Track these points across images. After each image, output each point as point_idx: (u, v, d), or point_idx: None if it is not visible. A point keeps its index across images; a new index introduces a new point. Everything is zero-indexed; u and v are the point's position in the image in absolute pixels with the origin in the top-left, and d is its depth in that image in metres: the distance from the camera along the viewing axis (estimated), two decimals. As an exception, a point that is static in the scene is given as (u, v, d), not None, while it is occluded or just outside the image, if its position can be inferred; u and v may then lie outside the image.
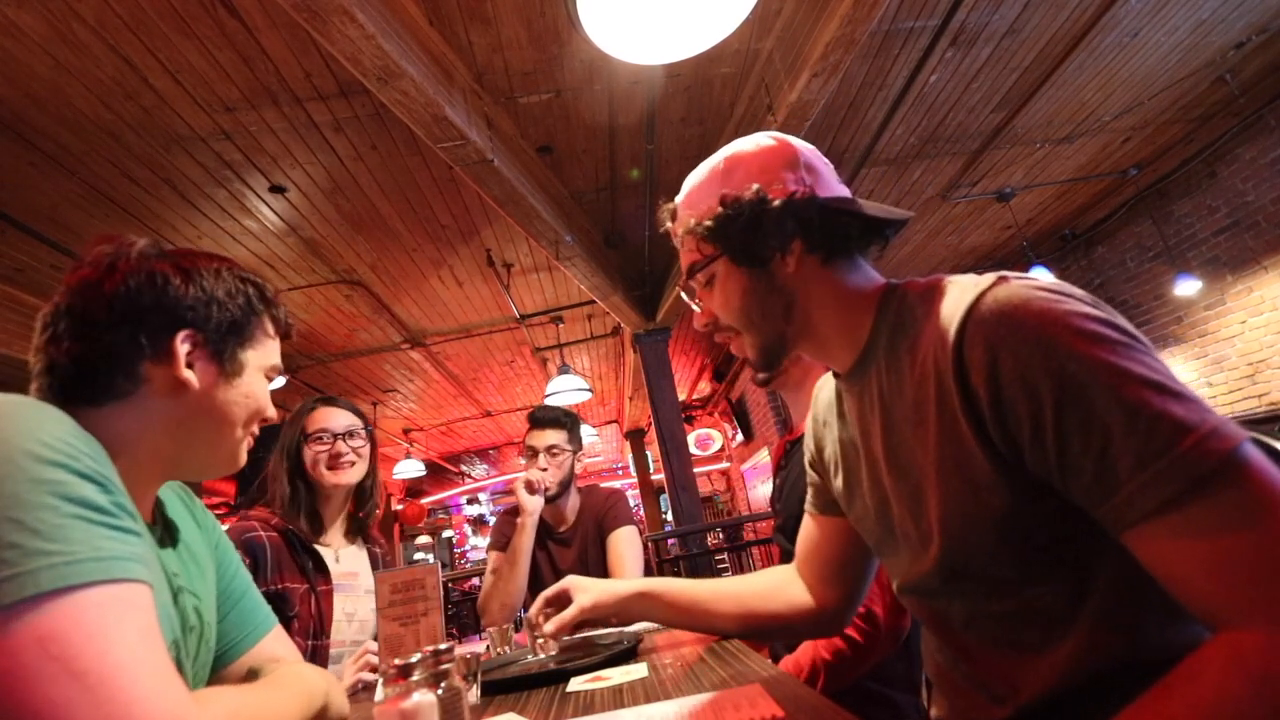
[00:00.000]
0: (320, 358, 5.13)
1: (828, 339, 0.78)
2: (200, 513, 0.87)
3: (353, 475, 1.51)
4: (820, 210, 0.73)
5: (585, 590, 1.05)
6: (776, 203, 0.72)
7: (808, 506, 0.98)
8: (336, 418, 1.54)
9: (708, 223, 0.75)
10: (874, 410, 0.74)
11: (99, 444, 0.58)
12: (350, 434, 1.52)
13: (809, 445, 0.95)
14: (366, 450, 1.56)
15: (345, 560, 1.52)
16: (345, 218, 3.35)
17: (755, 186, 0.73)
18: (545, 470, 1.89)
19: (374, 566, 1.57)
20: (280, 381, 4.09)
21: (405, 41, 2.04)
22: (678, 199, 0.84)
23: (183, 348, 0.68)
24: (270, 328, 0.79)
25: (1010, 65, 3.18)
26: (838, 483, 0.87)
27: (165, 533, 0.77)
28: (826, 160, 0.79)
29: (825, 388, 0.93)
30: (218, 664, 0.82)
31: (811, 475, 0.96)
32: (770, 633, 1.11)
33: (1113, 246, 5.64)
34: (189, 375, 0.68)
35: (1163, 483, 0.48)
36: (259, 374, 0.76)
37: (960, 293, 0.64)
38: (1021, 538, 0.61)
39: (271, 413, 0.80)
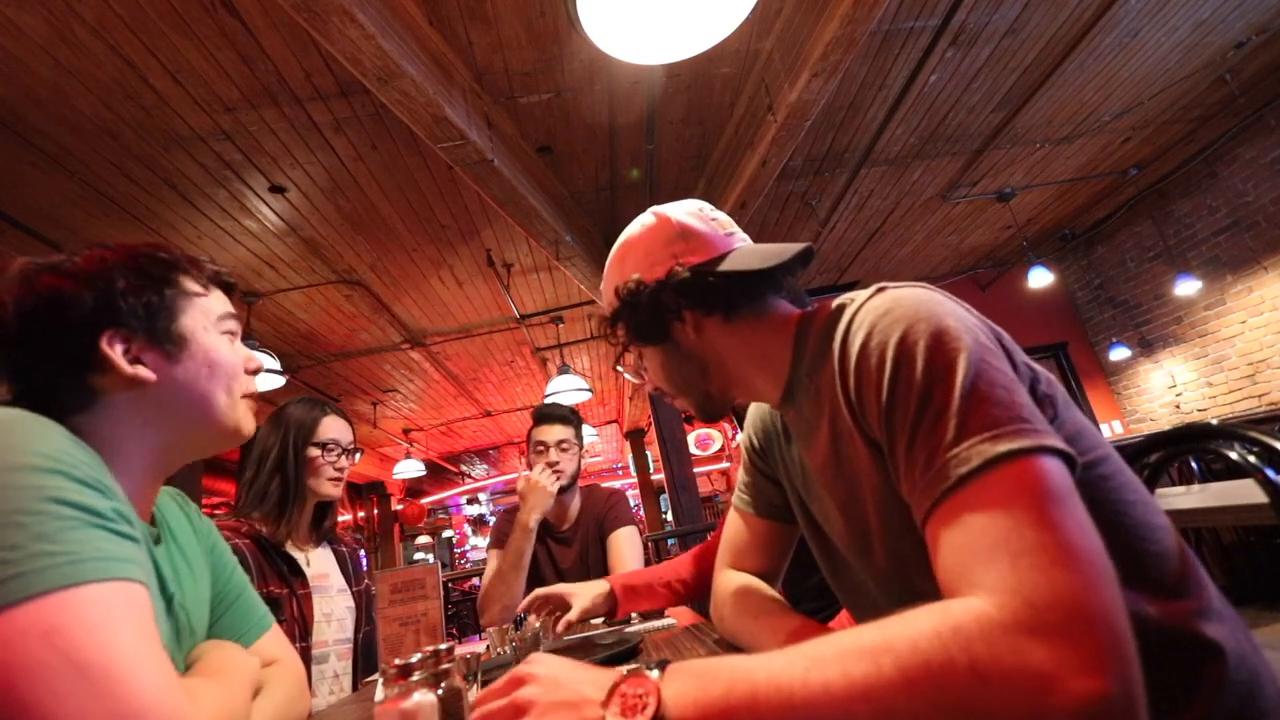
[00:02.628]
0: (320, 358, 5.13)
1: (752, 383, 0.80)
2: (195, 516, 0.87)
3: (341, 490, 1.54)
4: (695, 279, 0.75)
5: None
6: (652, 285, 0.77)
7: (743, 505, 0.98)
8: (345, 430, 1.56)
9: (608, 316, 0.82)
10: (807, 438, 0.75)
11: (92, 452, 0.60)
12: (350, 450, 1.55)
13: (750, 435, 0.95)
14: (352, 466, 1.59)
15: (315, 563, 1.51)
16: (345, 218, 3.35)
17: (635, 276, 0.78)
18: (557, 463, 1.90)
19: (343, 566, 1.57)
20: (280, 381, 4.08)
21: (405, 41, 2.04)
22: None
23: (115, 349, 0.66)
24: (194, 285, 0.75)
25: (1010, 65, 3.18)
26: (794, 499, 0.87)
27: (161, 535, 0.77)
28: (712, 217, 0.81)
29: (759, 414, 0.95)
30: None
31: (754, 474, 0.95)
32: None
33: (1113, 246, 5.64)
34: (140, 370, 0.67)
35: (942, 475, 0.50)
36: (210, 334, 0.73)
37: (842, 310, 0.67)
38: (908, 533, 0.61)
39: (256, 363, 0.78)
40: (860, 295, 0.66)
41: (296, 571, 1.44)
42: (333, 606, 1.48)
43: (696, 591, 1.44)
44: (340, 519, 1.67)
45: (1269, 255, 4.43)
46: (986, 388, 0.52)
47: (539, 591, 1.38)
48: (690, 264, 0.76)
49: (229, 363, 0.74)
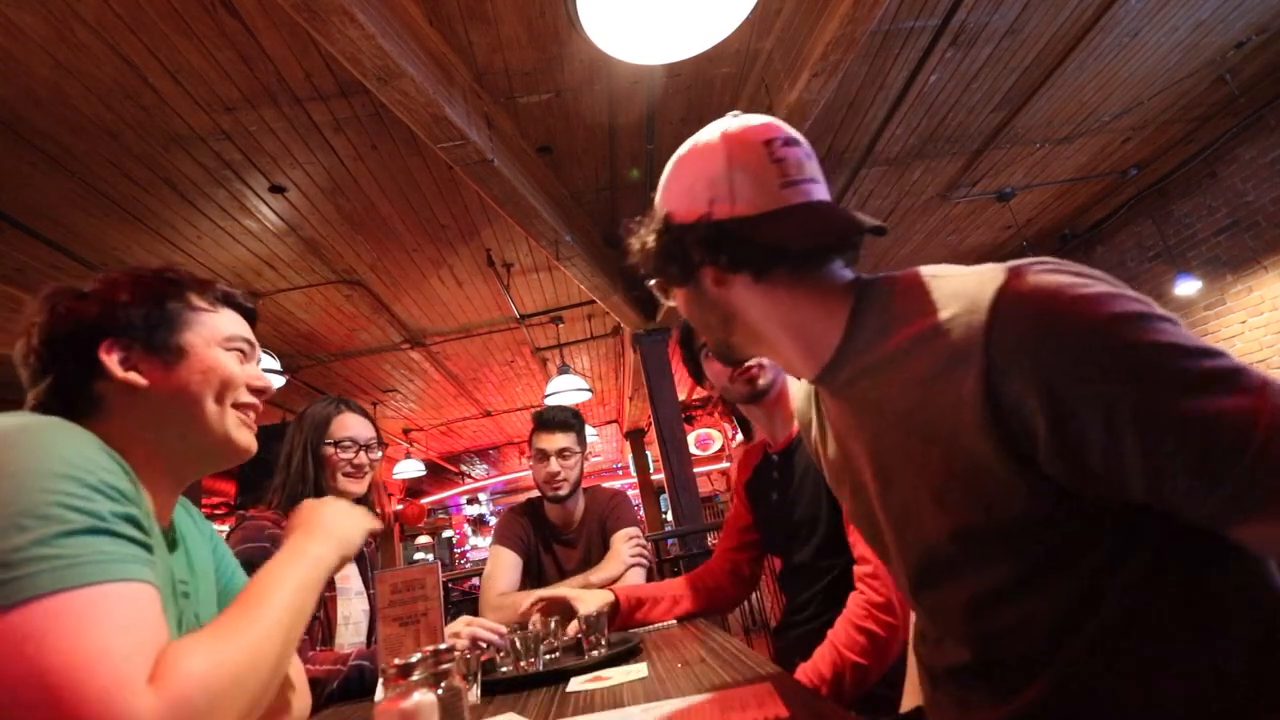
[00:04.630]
0: (320, 358, 5.13)
1: (778, 347, 0.74)
2: (198, 517, 0.89)
3: (362, 487, 1.52)
4: (721, 236, 0.69)
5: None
6: (676, 229, 0.72)
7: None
8: (362, 426, 1.54)
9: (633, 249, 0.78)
10: (859, 418, 0.71)
11: (119, 460, 0.62)
12: (370, 445, 1.54)
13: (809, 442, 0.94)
14: (379, 462, 1.58)
15: None
16: (345, 218, 3.35)
17: (665, 212, 0.74)
18: (558, 472, 1.89)
19: (362, 569, 1.57)
20: (280, 381, 4.09)
21: (405, 41, 2.04)
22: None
23: (112, 357, 0.71)
24: (200, 302, 0.78)
25: (1010, 65, 3.18)
26: (835, 484, 0.86)
27: (177, 537, 0.79)
28: (779, 156, 0.70)
29: (799, 388, 0.92)
30: None
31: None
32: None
33: (1113, 246, 5.64)
34: (133, 376, 0.71)
35: (1264, 473, 0.46)
36: (211, 348, 0.76)
37: (967, 287, 0.58)
38: (1032, 546, 0.58)
39: (258, 381, 0.80)
40: (992, 278, 0.57)
41: None
42: (351, 609, 1.48)
43: (696, 612, 1.47)
44: None
45: (1269, 255, 4.43)
46: (1214, 349, 0.50)
47: (542, 593, 1.39)
48: (722, 216, 0.69)
49: (226, 374, 0.76)
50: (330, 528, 0.80)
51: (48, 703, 0.47)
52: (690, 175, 0.73)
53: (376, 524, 0.85)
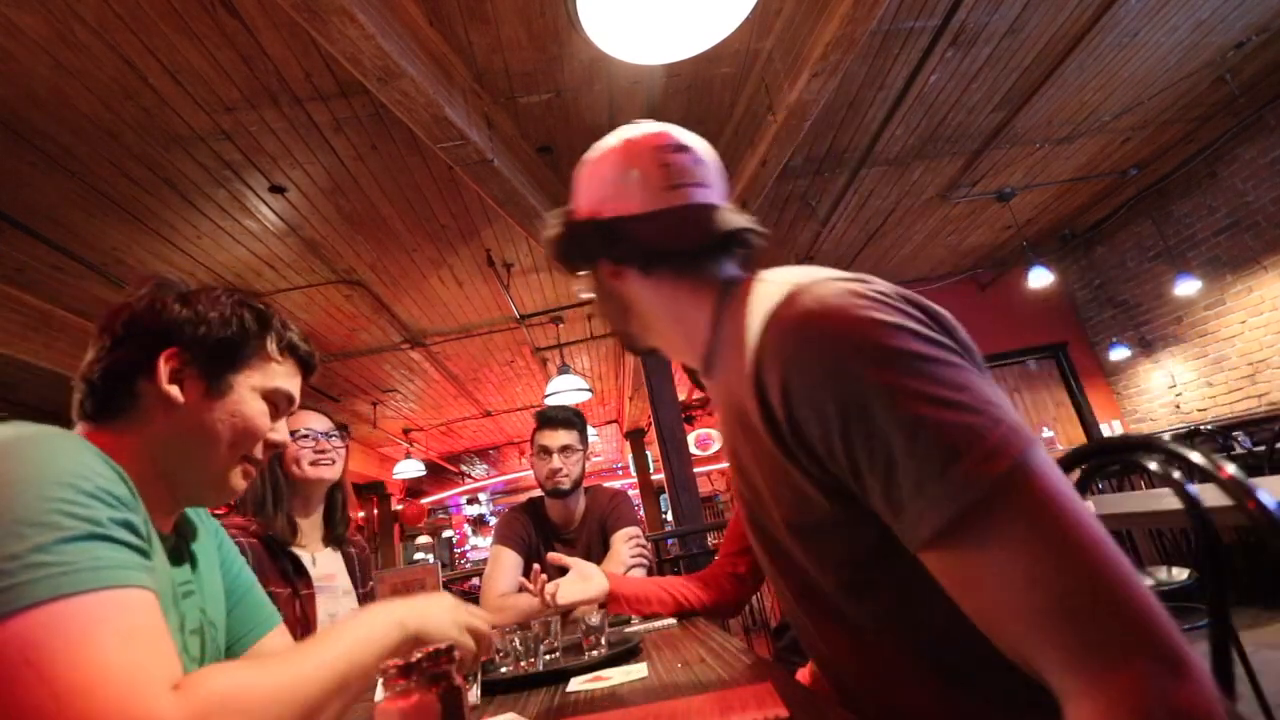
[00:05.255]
0: (320, 358, 5.12)
1: (669, 338, 0.80)
2: (202, 514, 0.89)
3: (334, 472, 1.54)
4: (610, 231, 0.75)
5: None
6: (575, 222, 0.79)
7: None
8: (317, 419, 1.56)
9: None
10: (721, 415, 0.74)
11: (117, 468, 0.62)
12: (329, 435, 1.56)
13: None
14: (344, 452, 1.59)
15: (321, 563, 1.52)
16: (345, 218, 3.35)
17: (568, 209, 0.81)
18: (560, 468, 1.90)
19: (350, 568, 1.57)
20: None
21: (405, 41, 2.04)
22: None
23: (168, 364, 0.71)
24: (273, 351, 0.79)
25: (1010, 65, 3.18)
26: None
27: (179, 540, 0.79)
28: (665, 162, 0.74)
29: None
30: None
31: None
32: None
33: (1113, 246, 5.64)
34: (173, 390, 0.71)
35: (938, 507, 0.46)
36: (253, 396, 0.76)
37: (761, 300, 0.61)
38: (847, 548, 0.59)
39: (277, 437, 0.79)
40: (778, 290, 0.60)
41: (301, 572, 1.44)
42: (338, 607, 1.48)
43: (696, 609, 1.46)
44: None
45: (1269, 255, 4.43)
46: (955, 393, 0.50)
47: (559, 558, 1.41)
48: (611, 214, 0.75)
49: (251, 427, 0.76)
50: (424, 610, 0.74)
51: (57, 710, 0.47)
52: (590, 176, 0.79)
53: (468, 643, 0.76)
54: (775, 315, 0.57)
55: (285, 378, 0.81)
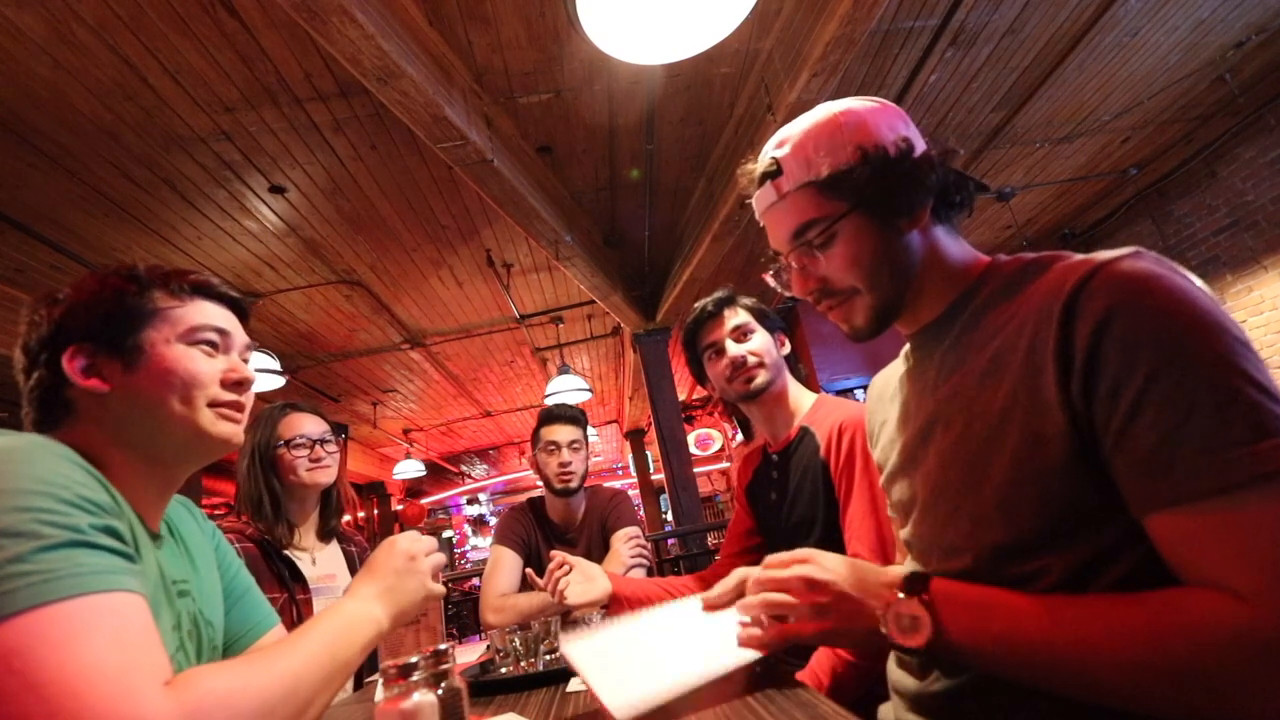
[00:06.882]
0: (320, 358, 5.13)
1: (921, 300, 0.76)
2: (200, 517, 0.90)
3: (329, 476, 1.55)
4: (946, 171, 0.73)
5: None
6: (918, 157, 0.72)
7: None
8: (312, 423, 1.57)
9: (849, 173, 0.71)
10: (944, 364, 0.74)
11: (97, 475, 0.62)
12: (324, 440, 1.57)
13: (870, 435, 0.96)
14: (338, 455, 1.61)
15: (322, 562, 1.52)
16: (345, 218, 3.35)
17: (898, 137, 0.71)
18: (570, 461, 1.91)
19: (350, 565, 1.58)
20: (280, 382, 4.08)
21: (405, 41, 2.04)
22: (776, 153, 0.77)
23: (74, 364, 0.71)
24: (165, 298, 0.76)
25: (1010, 65, 3.18)
26: (881, 451, 0.87)
27: (170, 539, 0.79)
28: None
29: (883, 378, 0.94)
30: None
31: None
32: None
33: (1112, 246, 5.58)
34: (93, 383, 0.71)
35: (1229, 468, 0.50)
36: (174, 345, 0.74)
37: (1091, 257, 0.64)
38: (1067, 497, 0.60)
39: (235, 373, 0.77)
40: (1114, 251, 0.62)
41: (297, 576, 1.44)
42: None
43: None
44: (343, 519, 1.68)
45: (1269, 255, 4.43)
46: (1271, 385, 0.53)
47: (563, 557, 1.42)
48: (922, 157, 0.73)
49: (188, 372, 0.73)
50: (394, 587, 0.78)
51: (47, 714, 0.47)
52: (886, 118, 0.74)
53: (439, 590, 0.84)
54: (1109, 266, 0.59)
55: (198, 315, 0.77)
